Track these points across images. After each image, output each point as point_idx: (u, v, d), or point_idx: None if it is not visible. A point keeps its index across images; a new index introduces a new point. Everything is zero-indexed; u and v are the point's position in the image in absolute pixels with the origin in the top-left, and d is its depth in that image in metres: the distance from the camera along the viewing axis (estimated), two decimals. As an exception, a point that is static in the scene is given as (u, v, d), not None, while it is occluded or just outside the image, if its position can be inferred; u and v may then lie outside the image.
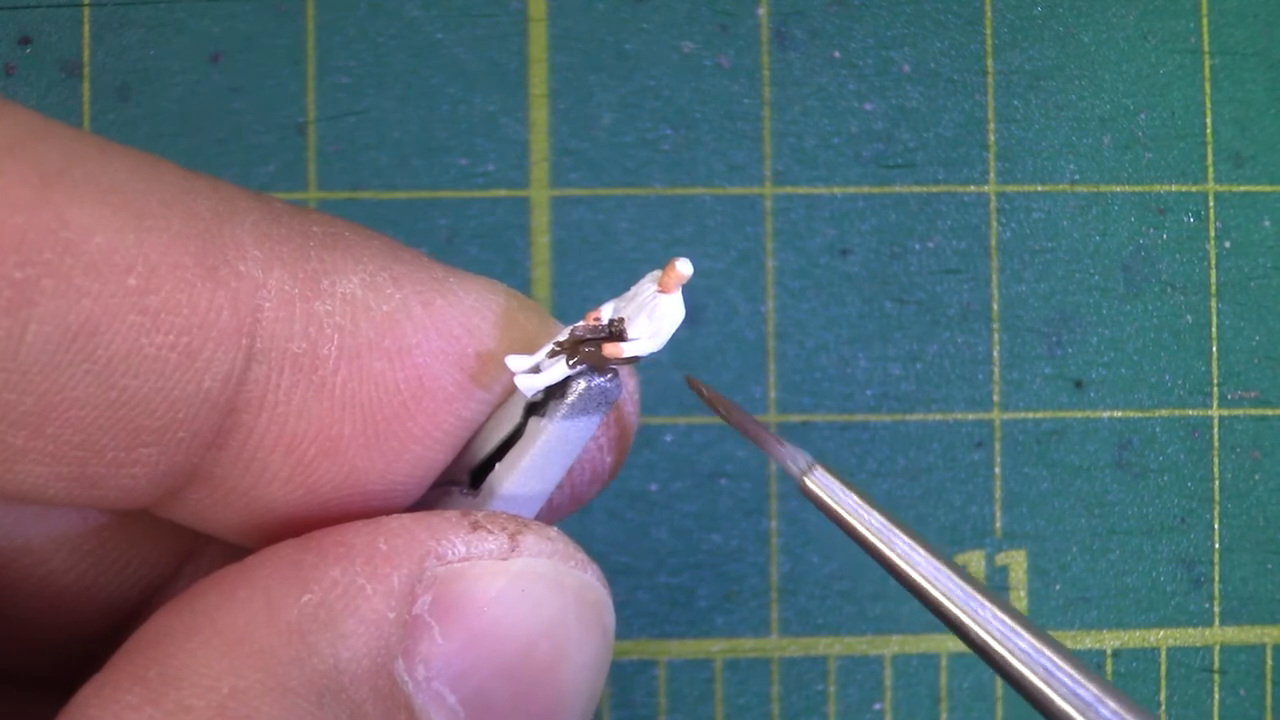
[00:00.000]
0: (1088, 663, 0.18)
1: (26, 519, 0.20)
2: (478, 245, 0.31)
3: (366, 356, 0.18)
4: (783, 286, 0.31)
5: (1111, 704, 0.18)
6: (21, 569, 0.20)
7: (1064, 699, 0.18)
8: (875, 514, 0.20)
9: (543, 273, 0.31)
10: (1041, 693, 0.18)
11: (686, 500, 0.31)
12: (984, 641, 0.19)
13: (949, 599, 0.19)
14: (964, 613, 0.19)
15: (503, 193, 0.31)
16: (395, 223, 0.31)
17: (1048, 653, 0.18)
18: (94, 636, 0.21)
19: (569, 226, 0.31)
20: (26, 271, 0.15)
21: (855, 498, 0.20)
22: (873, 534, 0.20)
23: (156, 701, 0.16)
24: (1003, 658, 0.18)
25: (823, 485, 0.20)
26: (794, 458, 0.20)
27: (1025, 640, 0.18)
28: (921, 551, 0.19)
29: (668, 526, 0.31)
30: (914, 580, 0.19)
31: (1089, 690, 0.18)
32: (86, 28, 0.30)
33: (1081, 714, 0.18)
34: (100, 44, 0.30)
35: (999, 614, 0.19)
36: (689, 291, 0.31)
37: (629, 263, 0.31)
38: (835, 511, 0.20)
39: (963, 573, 0.19)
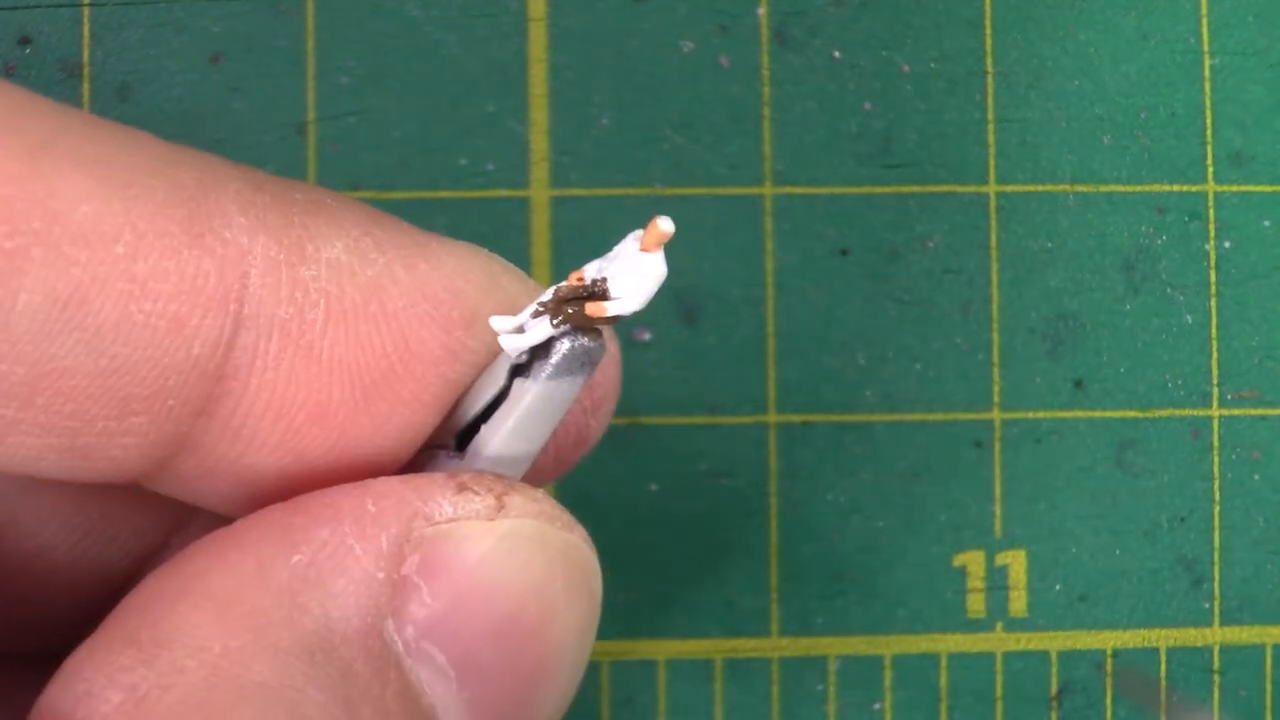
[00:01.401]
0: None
1: (14, 493, 0.20)
2: (478, 245, 0.31)
3: (353, 321, 0.18)
4: (783, 286, 0.31)
5: None
6: (8, 544, 0.20)
7: None
8: None
9: (542, 273, 0.31)
10: None
11: (686, 500, 0.31)
12: None
13: None
14: None
15: (503, 193, 0.31)
16: (395, 223, 0.31)
17: None
18: (82, 610, 0.21)
19: (569, 226, 0.31)
20: (16, 241, 0.15)
21: None
22: None
23: (150, 663, 0.16)
24: None
25: None
26: None
27: None
28: None
29: (668, 526, 0.31)
30: None
31: None
32: (86, 28, 0.30)
33: None
34: (100, 44, 0.30)
35: None
36: (688, 289, 0.31)
37: (629, 263, 0.31)
38: None
39: None
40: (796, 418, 0.31)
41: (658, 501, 0.31)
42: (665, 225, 0.18)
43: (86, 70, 0.30)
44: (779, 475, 0.31)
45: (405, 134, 0.31)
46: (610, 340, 0.20)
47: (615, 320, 0.18)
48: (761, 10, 0.31)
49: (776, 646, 0.31)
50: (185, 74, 0.30)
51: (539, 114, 0.31)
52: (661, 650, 0.31)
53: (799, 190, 0.31)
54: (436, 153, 0.31)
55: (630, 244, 0.18)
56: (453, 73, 0.31)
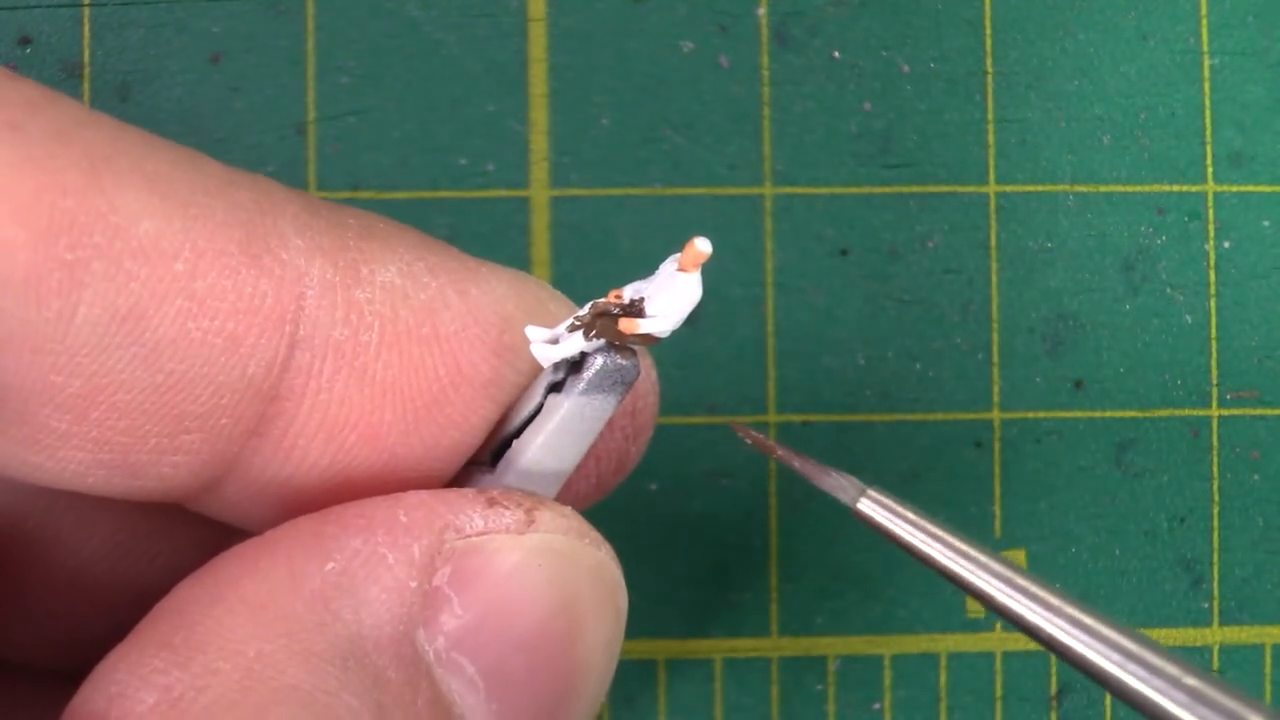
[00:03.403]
0: (1171, 653, 0.19)
1: (58, 509, 0.20)
2: (478, 245, 0.31)
3: (406, 344, 0.18)
4: (783, 286, 0.31)
5: (1193, 682, 0.18)
6: (52, 560, 0.20)
7: (1145, 687, 0.18)
8: (930, 526, 0.20)
9: (542, 272, 0.31)
10: (1122, 682, 0.18)
11: (686, 500, 0.31)
12: (1051, 636, 0.19)
13: (1012, 599, 0.19)
14: (1028, 610, 0.19)
15: (503, 193, 0.31)
16: (395, 223, 0.31)
17: (1128, 644, 0.18)
18: (116, 628, 0.21)
19: (569, 226, 0.31)
20: (77, 254, 0.16)
21: (910, 514, 0.20)
22: (929, 547, 0.20)
23: (184, 665, 0.16)
24: (1077, 652, 0.19)
25: (875, 509, 0.20)
26: (844, 487, 0.21)
27: (1098, 632, 0.19)
28: (979, 556, 0.20)
29: (668, 526, 0.31)
30: (975, 585, 0.20)
31: (1174, 681, 0.18)
32: (86, 28, 0.30)
33: (1169, 700, 0.18)
34: (100, 44, 0.30)
35: (1066, 608, 0.19)
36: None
37: (629, 263, 0.31)
38: (891, 532, 0.20)
39: (1022, 571, 0.19)
40: (796, 418, 0.31)
41: (658, 501, 0.31)
42: (703, 246, 0.18)
43: (86, 70, 0.30)
44: (779, 475, 0.31)
45: (405, 134, 0.31)
46: (650, 368, 0.20)
47: (648, 339, 0.18)
48: (761, 10, 0.31)
49: (776, 646, 0.31)
50: (185, 74, 0.30)
51: (539, 114, 0.31)
52: (661, 650, 0.31)
53: (799, 190, 0.31)
54: (436, 153, 0.31)
55: (669, 265, 0.18)
56: (453, 73, 0.31)
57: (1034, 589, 0.19)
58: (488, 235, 0.31)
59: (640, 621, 0.31)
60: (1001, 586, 0.19)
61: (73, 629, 0.21)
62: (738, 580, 0.31)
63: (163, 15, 0.30)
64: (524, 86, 0.31)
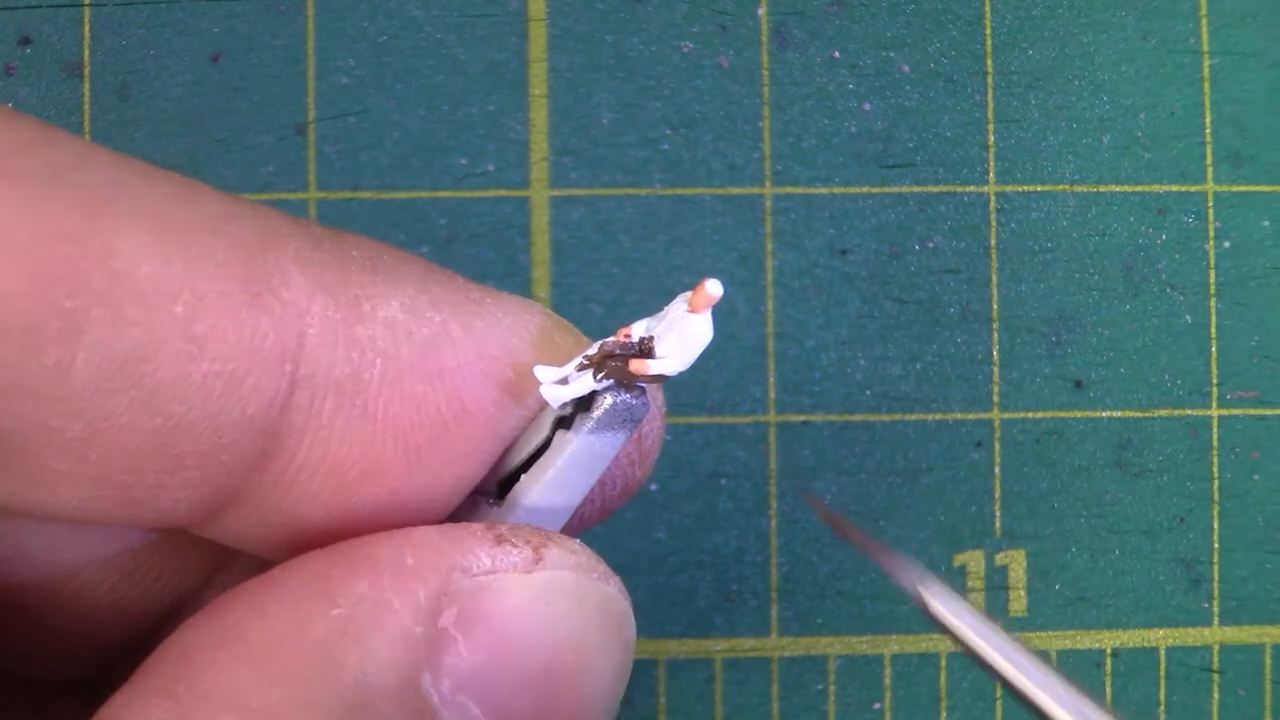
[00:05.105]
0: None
1: (60, 535, 0.20)
2: (478, 245, 0.31)
3: (408, 380, 0.18)
4: (783, 286, 0.31)
5: None
6: (54, 581, 0.20)
7: None
8: (994, 632, 0.20)
9: (543, 272, 0.31)
10: None
11: (686, 500, 0.31)
12: None
13: (1057, 709, 0.19)
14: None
15: (503, 193, 0.31)
16: (395, 223, 0.31)
17: None
18: (125, 643, 0.21)
19: (569, 226, 0.31)
20: (76, 301, 0.15)
21: (973, 614, 0.20)
22: (991, 650, 0.20)
23: (187, 716, 0.16)
24: None
25: (940, 600, 0.20)
26: (909, 575, 0.20)
27: None
28: (1042, 670, 0.19)
29: (668, 526, 0.31)
30: (1035, 699, 0.19)
31: None
32: (86, 28, 0.30)
33: None
34: (100, 44, 0.30)
35: None
36: (688, 289, 0.31)
37: (629, 263, 0.31)
38: (953, 626, 0.20)
39: (1089, 692, 0.19)
40: (796, 418, 0.31)
41: (658, 501, 0.31)
42: (713, 289, 0.18)
43: (86, 70, 0.30)
44: (779, 475, 0.31)
45: (405, 134, 0.31)
46: (656, 393, 0.20)
47: (659, 379, 0.18)
48: (761, 10, 0.31)
49: (776, 646, 0.31)
50: (185, 74, 0.30)
51: (539, 114, 0.31)
52: (661, 650, 0.31)
53: (799, 190, 0.31)
54: (436, 153, 0.31)
55: (679, 305, 0.18)
56: (453, 73, 0.31)
57: (1084, 703, 0.19)
58: (488, 235, 0.31)
59: (640, 621, 0.31)
60: (1049, 699, 0.19)
61: (83, 644, 0.21)
62: (738, 580, 0.31)
63: (163, 15, 0.30)
64: (524, 86, 0.31)
